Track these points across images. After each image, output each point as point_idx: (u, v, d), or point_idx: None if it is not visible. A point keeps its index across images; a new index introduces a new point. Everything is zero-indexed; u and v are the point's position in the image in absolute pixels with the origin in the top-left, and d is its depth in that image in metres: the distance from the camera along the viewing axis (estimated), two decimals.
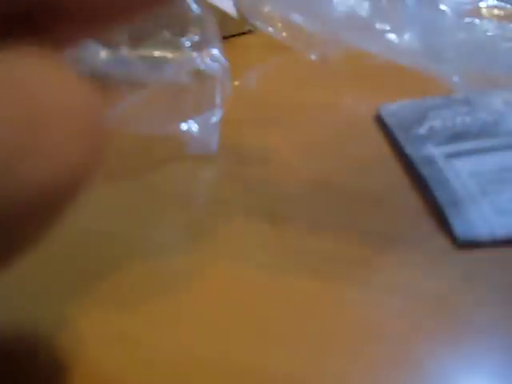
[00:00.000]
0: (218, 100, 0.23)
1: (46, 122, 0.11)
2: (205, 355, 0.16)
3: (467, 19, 0.24)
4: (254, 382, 0.15)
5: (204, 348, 0.16)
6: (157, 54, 0.22)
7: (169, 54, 0.22)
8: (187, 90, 0.22)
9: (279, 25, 0.28)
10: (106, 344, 0.16)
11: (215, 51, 0.23)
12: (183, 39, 0.22)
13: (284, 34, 0.28)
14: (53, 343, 0.16)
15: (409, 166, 0.22)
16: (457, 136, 0.23)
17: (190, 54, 0.23)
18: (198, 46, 0.23)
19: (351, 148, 0.24)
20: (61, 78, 0.11)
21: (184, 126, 0.23)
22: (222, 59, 0.23)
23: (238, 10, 0.31)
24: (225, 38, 0.26)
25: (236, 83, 0.27)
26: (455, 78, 0.24)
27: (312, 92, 0.27)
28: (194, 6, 0.22)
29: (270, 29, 0.28)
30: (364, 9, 0.24)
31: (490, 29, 0.23)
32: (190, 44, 0.23)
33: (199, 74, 0.23)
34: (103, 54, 0.21)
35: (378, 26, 0.24)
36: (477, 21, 0.24)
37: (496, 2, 0.25)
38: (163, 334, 0.16)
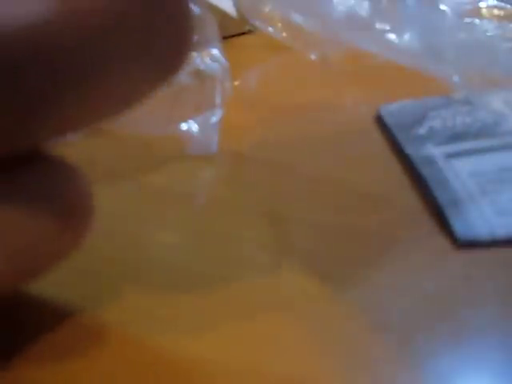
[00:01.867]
0: (217, 100, 0.23)
1: None
2: (204, 355, 0.16)
3: (467, 19, 0.24)
4: (253, 381, 0.15)
5: (202, 346, 0.16)
6: None
7: None
8: (187, 90, 0.22)
9: (279, 25, 0.28)
10: (102, 345, 0.16)
11: (215, 51, 0.23)
12: None
13: (284, 34, 0.28)
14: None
15: (409, 166, 0.22)
16: (457, 136, 0.23)
17: (190, 53, 0.23)
18: (197, 46, 0.23)
19: (351, 148, 0.24)
20: None
21: (184, 126, 0.23)
22: (222, 59, 0.23)
23: (238, 10, 0.30)
24: (225, 38, 0.26)
25: (236, 83, 0.27)
26: (455, 78, 0.24)
27: (312, 92, 0.27)
28: (194, 6, 0.22)
29: (270, 29, 0.28)
30: (364, 9, 0.24)
31: (490, 29, 0.23)
32: None
33: (199, 74, 0.23)
34: None
35: (378, 25, 0.24)
36: (477, 21, 0.24)
37: (496, 2, 0.25)
38: (161, 333, 0.16)
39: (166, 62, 0.13)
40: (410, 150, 0.23)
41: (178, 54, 0.13)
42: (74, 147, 0.16)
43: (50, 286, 0.18)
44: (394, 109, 0.25)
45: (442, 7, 0.24)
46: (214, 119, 0.23)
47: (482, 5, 0.25)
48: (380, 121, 0.25)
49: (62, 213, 0.13)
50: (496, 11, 0.25)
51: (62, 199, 0.13)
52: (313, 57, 0.27)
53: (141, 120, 0.22)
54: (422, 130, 0.24)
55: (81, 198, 0.14)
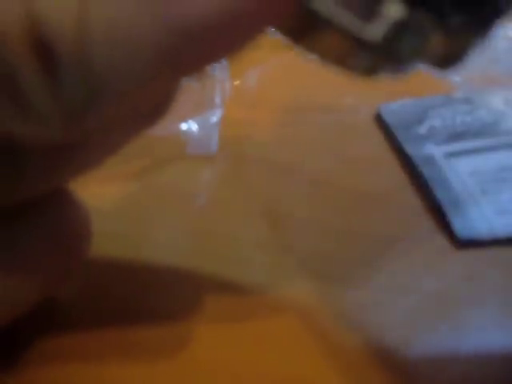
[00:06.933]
0: (217, 100, 0.23)
1: None
2: (204, 354, 0.16)
3: None
4: (253, 381, 0.15)
5: (204, 347, 0.16)
6: None
7: None
8: (187, 90, 0.22)
9: None
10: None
11: None
12: None
13: None
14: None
15: (409, 166, 0.22)
16: (457, 135, 0.23)
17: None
18: None
19: (351, 148, 0.24)
20: None
21: (184, 126, 0.23)
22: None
23: None
24: None
25: (236, 83, 0.27)
26: (455, 77, 0.24)
27: (312, 92, 0.27)
28: None
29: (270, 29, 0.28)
30: None
31: None
32: None
33: (199, 74, 0.23)
34: None
35: None
36: None
37: None
38: (160, 333, 0.16)
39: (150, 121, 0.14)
40: (410, 149, 0.23)
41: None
42: None
43: None
44: (394, 108, 0.25)
45: None
46: (214, 119, 0.23)
47: None
48: (380, 120, 0.25)
49: (64, 246, 0.14)
50: None
51: (64, 233, 0.15)
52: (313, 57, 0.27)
53: None
54: (422, 130, 0.24)
55: (80, 229, 0.15)
